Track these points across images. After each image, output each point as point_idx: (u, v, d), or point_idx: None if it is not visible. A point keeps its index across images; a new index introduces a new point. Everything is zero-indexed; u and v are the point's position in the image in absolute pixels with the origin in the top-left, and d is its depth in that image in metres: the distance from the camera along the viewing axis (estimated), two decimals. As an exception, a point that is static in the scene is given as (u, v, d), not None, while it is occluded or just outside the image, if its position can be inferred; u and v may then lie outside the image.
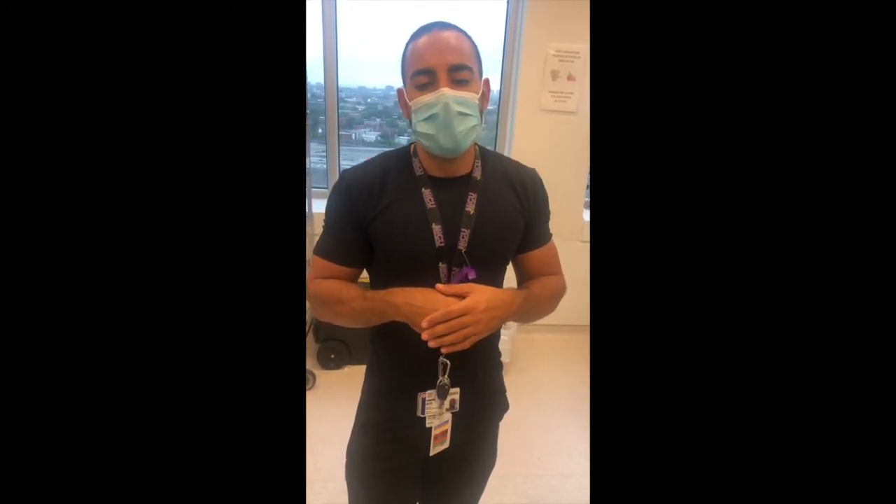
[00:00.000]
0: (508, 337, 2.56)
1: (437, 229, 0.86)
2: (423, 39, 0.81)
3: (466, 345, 0.81)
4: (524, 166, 0.97)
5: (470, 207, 0.88)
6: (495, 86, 2.88)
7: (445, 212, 0.87)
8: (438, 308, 0.80)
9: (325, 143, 2.85)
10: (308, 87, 2.57)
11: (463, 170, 0.90)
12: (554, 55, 2.63)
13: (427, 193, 0.87)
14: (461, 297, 0.82)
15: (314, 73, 2.66)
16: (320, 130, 2.85)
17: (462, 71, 0.81)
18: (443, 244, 0.86)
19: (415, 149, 0.91)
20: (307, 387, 2.39)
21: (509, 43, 2.76)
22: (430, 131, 0.82)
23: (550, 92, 2.69)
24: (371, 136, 3.36)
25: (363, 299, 0.87)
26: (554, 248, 1.01)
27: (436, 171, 0.89)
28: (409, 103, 0.84)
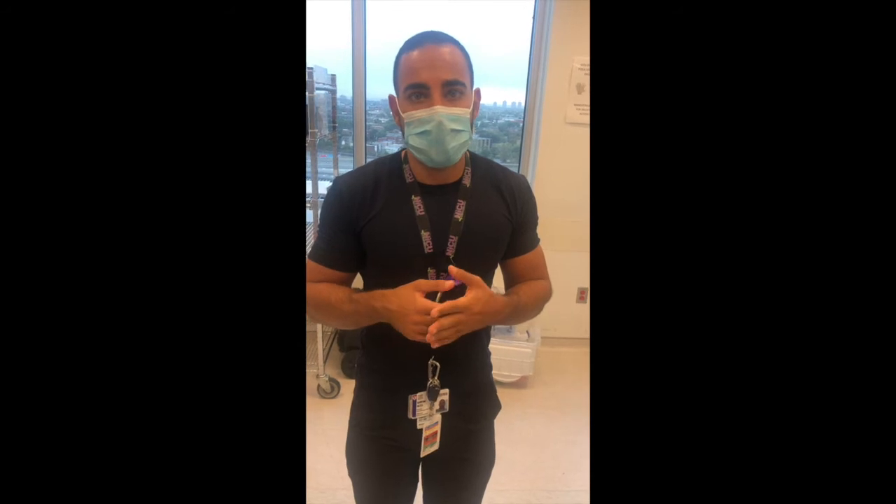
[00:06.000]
0: (532, 350, 2.55)
1: (426, 236, 0.88)
2: (416, 53, 0.82)
3: (452, 338, 0.82)
4: (513, 173, 0.98)
5: (458, 214, 0.89)
6: (521, 98, 2.91)
7: (434, 219, 0.89)
8: (414, 311, 0.80)
9: (353, 155, 2.90)
10: (336, 100, 2.62)
11: (453, 177, 0.92)
12: (579, 69, 2.63)
13: (417, 201, 0.89)
14: (446, 287, 0.83)
15: (343, 85, 2.71)
16: (343, 142, 2.90)
17: (456, 86, 0.82)
18: (431, 250, 0.88)
19: (405, 155, 0.93)
20: (332, 395, 2.41)
21: (535, 56, 2.78)
22: (422, 146, 0.84)
23: (576, 105, 2.69)
24: (394, 147, 3.41)
25: (349, 302, 0.88)
26: (541, 252, 1.03)
27: (426, 179, 0.91)
28: (402, 115, 0.85)
